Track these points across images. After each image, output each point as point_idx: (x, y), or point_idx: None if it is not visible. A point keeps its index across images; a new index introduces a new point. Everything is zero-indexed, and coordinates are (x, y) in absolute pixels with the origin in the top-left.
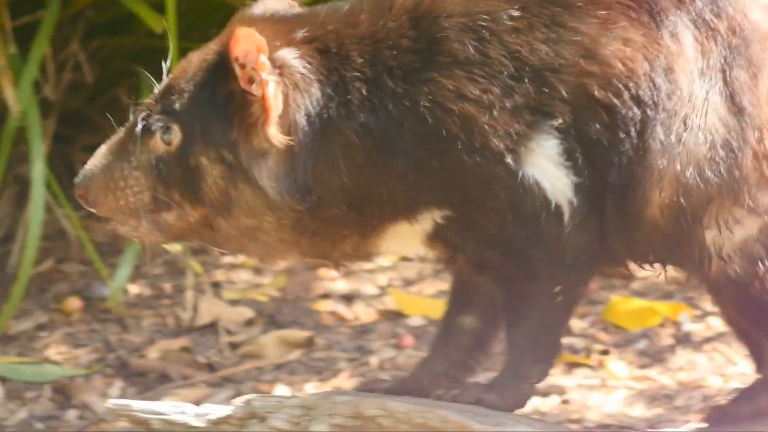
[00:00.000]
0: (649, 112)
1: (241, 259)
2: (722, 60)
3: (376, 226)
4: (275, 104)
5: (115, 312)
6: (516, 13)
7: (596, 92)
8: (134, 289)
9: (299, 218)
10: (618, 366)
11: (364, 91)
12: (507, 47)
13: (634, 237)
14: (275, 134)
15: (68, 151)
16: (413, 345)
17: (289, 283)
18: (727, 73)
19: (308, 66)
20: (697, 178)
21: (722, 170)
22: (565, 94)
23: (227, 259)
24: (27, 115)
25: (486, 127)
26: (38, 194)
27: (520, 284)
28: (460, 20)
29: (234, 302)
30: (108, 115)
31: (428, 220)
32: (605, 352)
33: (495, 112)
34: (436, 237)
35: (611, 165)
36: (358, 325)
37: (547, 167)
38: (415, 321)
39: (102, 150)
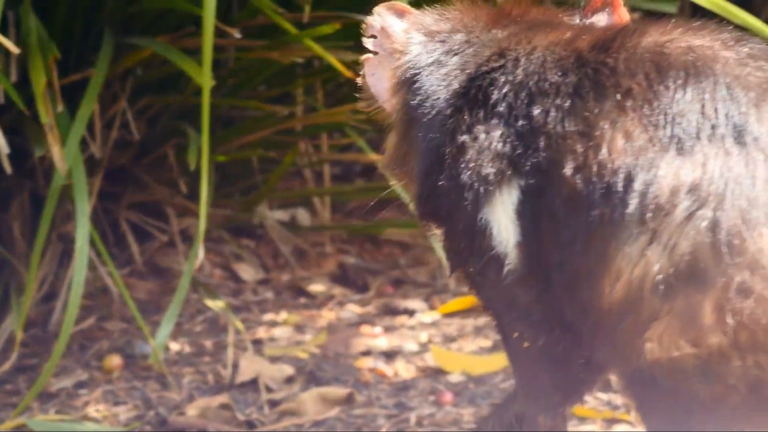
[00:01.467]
0: (614, 208)
1: (282, 316)
2: (718, 191)
3: None
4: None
5: (155, 369)
6: (554, 78)
7: (568, 170)
8: (175, 346)
9: None
10: None
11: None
12: (531, 104)
13: (587, 322)
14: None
15: (113, 208)
16: (453, 402)
17: (329, 340)
18: (718, 205)
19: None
20: (649, 293)
21: (674, 299)
22: (543, 158)
23: (268, 317)
24: (73, 174)
25: (470, 158)
26: (82, 252)
27: (496, 324)
28: (516, 70)
29: (274, 359)
30: (154, 172)
31: (436, 230)
32: None
33: (484, 151)
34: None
35: (563, 244)
36: (398, 382)
37: (501, 216)
38: (456, 378)
39: None
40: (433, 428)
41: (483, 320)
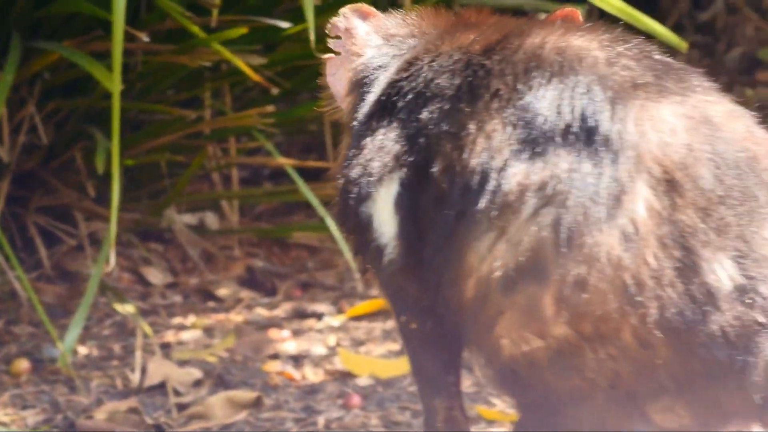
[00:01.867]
0: (469, 206)
1: (190, 320)
2: (564, 190)
3: None
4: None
5: (63, 373)
6: (443, 82)
7: (437, 170)
8: (83, 350)
9: None
10: None
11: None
12: (423, 108)
13: (454, 317)
14: None
15: (21, 212)
16: (361, 405)
17: (237, 344)
18: (562, 203)
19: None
20: (494, 288)
21: (516, 293)
22: (421, 157)
23: (177, 320)
24: None
25: (364, 157)
26: None
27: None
28: (419, 77)
29: (183, 363)
30: (62, 176)
31: None
32: None
33: (377, 151)
34: None
35: (431, 240)
36: (306, 386)
37: (381, 210)
38: (364, 381)
39: None
40: (341, 431)
41: (391, 323)
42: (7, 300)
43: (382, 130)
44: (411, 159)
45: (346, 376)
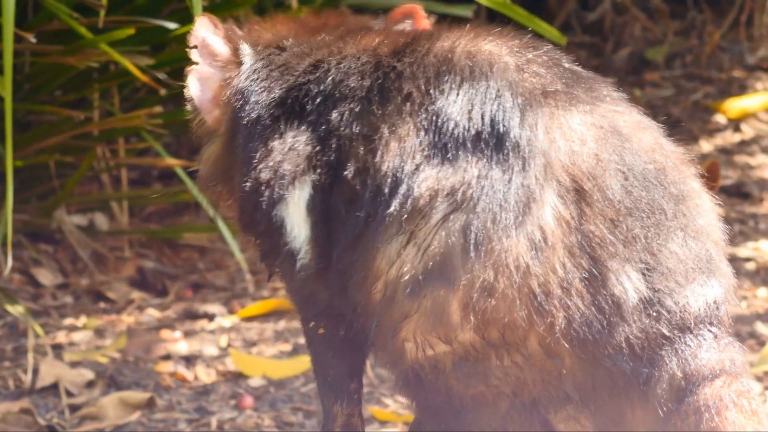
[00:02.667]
0: (379, 209)
1: (82, 321)
2: (474, 195)
3: None
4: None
5: None
6: (353, 84)
7: (349, 172)
8: None
9: None
10: None
11: (251, 105)
12: (333, 110)
13: (359, 320)
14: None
15: None
16: (253, 406)
17: (129, 345)
18: (471, 209)
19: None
20: (401, 292)
21: (423, 297)
22: (333, 159)
23: (68, 321)
24: None
25: (272, 162)
26: None
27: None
28: (327, 79)
29: (75, 364)
30: None
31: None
32: None
33: (287, 152)
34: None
35: (338, 241)
36: (199, 386)
37: (294, 213)
38: (256, 382)
39: None
40: None
41: (283, 324)
42: None
43: (291, 133)
44: (323, 160)
45: (238, 377)
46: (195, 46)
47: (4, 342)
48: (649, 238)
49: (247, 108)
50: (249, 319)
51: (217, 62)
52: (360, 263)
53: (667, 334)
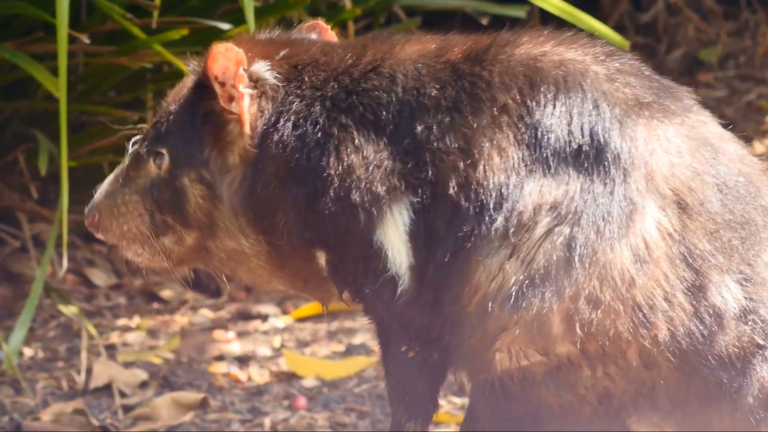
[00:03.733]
0: (483, 224)
1: (135, 321)
2: (577, 209)
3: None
4: (248, 117)
5: (9, 375)
6: (433, 92)
7: (452, 187)
8: (29, 351)
9: (267, 240)
10: None
11: (303, 115)
12: (413, 120)
13: (448, 334)
14: (247, 146)
15: None
16: (306, 406)
17: (183, 345)
18: (575, 222)
19: (278, 79)
20: (501, 305)
21: (524, 309)
22: (432, 176)
23: (122, 322)
24: None
25: (358, 180)
26: None
27: (378, 336)
28: (396, 87)
29: (128, 364)
30: (5, 178)
31: (321, 259)
32: None
33: (372, 171)
34: (329, 277)
35: (435, 257)
36: (252, 387)
37: (393, 238)
38: (309, 382)
39: (108, 179)
40: None
41: (336, 325)
42: None
43: (369, 146)
44: (420, 178)
45: (291, 378)
46: (215, 77)
47: (58, 343)
48: (744, 249)
49: (284, 129)
50: (302, 319)
51: (243, 86)
52: (457, 277)
53: (761, 342)
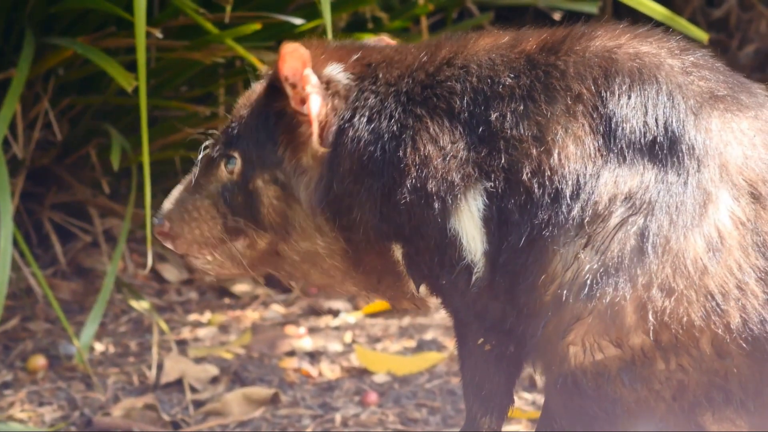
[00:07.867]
0: (559, 213)
1: (206, 316)
2: (651, 199)
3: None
4: (318, 118)
5: (80, 370)
6: (508, 81)
7: (526, 174)
8: (100, 347)
9: (344, 237)
10: None
11: (377, 110)
12: (488, 109)
13: (522, 325)
14: (316, 147)
15: (36, 209)
16: (377, 402)
17: (254, 341)
18: (649, 212)
19: (351, 79)
20: (575, 294)
21: (598, 298)
22: (505, 163)
23: (193, 317)
24: None
25: (434, 169)
26: (5, 253)
27: (456, 329)
28: (470, 77)
29: (199, 360)
30: (77, 173)
31: (397, 252)
32: None
33: (448, 160)
34: (405, 270)
35: (509, 246)
36: (323, 382)
37: (468, 225)
38: (380, 378)
39: (177, 188)
40: (358, 428)
41: (407, 320)
42: (23, 297)
43: (445, 136)
44: (494, 165)
45: (362, 373)
46: (286, 78)
47: (129, 338)
48: None
49: (359, 125)
50: (373, 315)
51: (310, 86)
52: (533, 266)
53: None
